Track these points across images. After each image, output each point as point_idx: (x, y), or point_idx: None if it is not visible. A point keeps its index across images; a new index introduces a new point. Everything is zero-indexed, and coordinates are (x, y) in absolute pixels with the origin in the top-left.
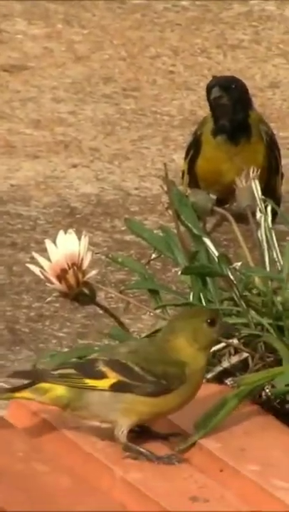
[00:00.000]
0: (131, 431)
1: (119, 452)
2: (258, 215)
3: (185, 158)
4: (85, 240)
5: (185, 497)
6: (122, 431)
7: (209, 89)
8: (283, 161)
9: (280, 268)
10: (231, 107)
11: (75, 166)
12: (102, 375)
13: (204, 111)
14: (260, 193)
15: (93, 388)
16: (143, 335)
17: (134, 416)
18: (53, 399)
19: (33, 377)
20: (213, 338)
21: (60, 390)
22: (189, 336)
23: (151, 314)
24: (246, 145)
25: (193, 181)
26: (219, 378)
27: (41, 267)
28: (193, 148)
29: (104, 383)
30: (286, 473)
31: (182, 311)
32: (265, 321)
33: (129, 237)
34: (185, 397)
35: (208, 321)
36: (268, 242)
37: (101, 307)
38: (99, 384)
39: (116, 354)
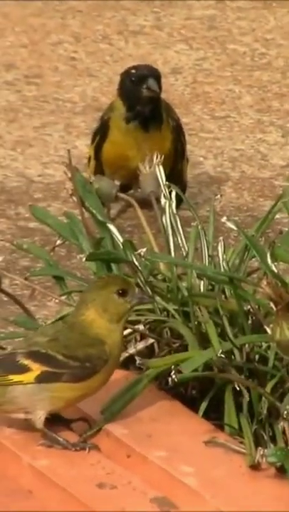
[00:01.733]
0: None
1: (27, 439)
2: (163, 200)
3: (91, 143)
4: None
5: (92, 483)
6: (39, 417)
7: (142, 77)
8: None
9: (184, 254)
10: (157, 99)
11: None
12: (25, 369)
13: (106, 97)
14: (164, 178)
15: (19, 383)
16: (48, 322)
17: (62, 403)
18: None
19: None
20: (125, 308)
21: None
22: (99, 308)
23: (57, 301)
24: (156, 132)
25: (99, 167)
26: (125, 364)
27: None
28: (100, 134)
29: (28, 377)
30: (192, 458)
31: (93, 282)
32: (171, 307)
33: (33, 224)
34: (108, 375)
35: (119, 291)
36: (172, 227)
37: (6, 294)
38: (24, 378)
39: (33, 344)
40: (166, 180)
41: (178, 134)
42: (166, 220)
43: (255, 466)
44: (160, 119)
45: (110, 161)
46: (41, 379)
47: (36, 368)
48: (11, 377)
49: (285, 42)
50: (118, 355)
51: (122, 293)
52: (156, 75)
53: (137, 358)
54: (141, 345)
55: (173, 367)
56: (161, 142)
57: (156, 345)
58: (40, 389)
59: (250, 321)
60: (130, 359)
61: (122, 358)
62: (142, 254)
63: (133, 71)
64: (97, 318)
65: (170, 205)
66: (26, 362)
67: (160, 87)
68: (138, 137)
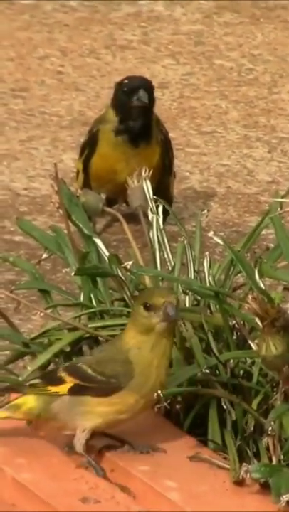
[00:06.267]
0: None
1: (10, 452)
2: (150, 215)
3: (80, 156)
4: None
5: (76, 498)
6: (79, 439)
7: (133, 89)
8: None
9: (170, 268)
10: (148, 111)
11: None
12: (61, 381)
13: (93, 111)
14: (151, 193)
15: (56, 394)
16: (32, 335)
17: (96, 418)
18: (26, 412)
19: (9, 391)
20: (148, 323)
21: (30, 403)
22: (130, 320)
23: (42, 314)
24: (145, 148)
25: (88, 181)
26: None
27: None
28: (89, 146)
29: (63, 388)
30: (176, 473)
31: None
32: None
33: (18, 238)
34: (142, 393)
35: (146, 304)
36: (158, 242)
37: None
38: (59, 389)
39: (81, 359)
40: (152, 194)
41: (166, 148)
42: (153, 234)
43: (239, 482)
44: (150, 135)
45: (99, 175)
46: (73, 391)
47: (70, 381)
48: (49, 387)
49: (271, 58)
50: (152, 376)
51: (148, 307)
52: (147, 87)
53: None
54: None
55: None
56: (150, 156)
57: None
58: (73, 402)
59: (234, 337)
60: None
61: None
62: (128, 268)
63: (126, 81)
64: (129, 330)
65: (157, 220)
66: (63, 374)
67: (153, 99)
68: (127, 152)
